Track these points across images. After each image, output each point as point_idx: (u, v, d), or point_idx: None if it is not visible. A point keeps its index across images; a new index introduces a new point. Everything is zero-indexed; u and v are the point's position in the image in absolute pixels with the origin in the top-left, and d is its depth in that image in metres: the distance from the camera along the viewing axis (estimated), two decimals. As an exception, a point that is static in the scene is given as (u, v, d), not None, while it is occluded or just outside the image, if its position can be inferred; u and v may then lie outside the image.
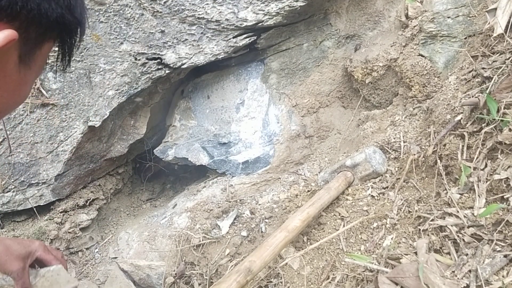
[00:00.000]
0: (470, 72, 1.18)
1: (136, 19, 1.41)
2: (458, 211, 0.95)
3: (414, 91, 1.36)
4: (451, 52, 1.32)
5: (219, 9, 1.43)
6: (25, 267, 1.00)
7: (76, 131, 1.47)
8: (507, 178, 0.90)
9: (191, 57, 1.50)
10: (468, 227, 0.91)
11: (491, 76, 1.07)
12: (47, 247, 1.08)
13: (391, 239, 1.04)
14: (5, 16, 0.53)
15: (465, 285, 0.80)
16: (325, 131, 1.67)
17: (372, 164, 1.24)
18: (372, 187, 1.24)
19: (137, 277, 1.41)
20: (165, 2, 1.40)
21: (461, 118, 1.08)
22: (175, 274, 1.40)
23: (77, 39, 0.62)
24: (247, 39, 1.52)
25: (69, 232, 1.55)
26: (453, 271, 0.84)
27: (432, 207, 1.03)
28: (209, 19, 1.44)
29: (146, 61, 1.47)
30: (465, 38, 1.29)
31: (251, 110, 1.68)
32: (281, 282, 1.16)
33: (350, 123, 1.64)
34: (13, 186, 1.45)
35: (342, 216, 1.20)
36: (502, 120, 0.94)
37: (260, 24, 1.47)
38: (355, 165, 1.28)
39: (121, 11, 1.39)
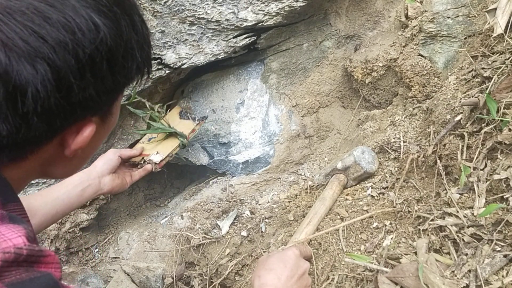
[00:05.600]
0: (470, 72, 1.18)
1: (136, 19, 1.41)
2: (458, 211, 0.95)
3: (414, 91, 1.36)
4: (451, 52, 1.32)
5: (219, 9, 1.43)
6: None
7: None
8: (507, 178, 0.90)
9: (191, 57, 1.50)
10: (468, 227, 0.91)
11: (491, 76, 1.07)
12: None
13: (391, 239, 1.04)
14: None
15: (465, 285, 0.80)
16: (325, 131, 1.67)
17: (362, 166, 1.26)
18: (372, 187, 1.24)
19: (137, 279, 1.41)
20: (165, 2, 1.41)
21: (461, 118, 1.08)
22: (175, 275, 1.40)
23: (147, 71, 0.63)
24: (247, 39, 1.53)
25: (69, 232, 1.56)
26: (453, 271, 0.84)
27: (432, 207, 1.03)
28: (209, 19, 1.44)
29: (146, 61, 1.47)
30: (465, 38, 1.29)
31: (251, 110, 1.68)
32: (281, 282, 1.16)
33: (350, 123, 1.64)
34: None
35: (342, 217, 1.20)
36: (502, 120, 0.94)
37: (260, 24, 1.48)
38: (346, 168, 1.29)
39: (121, 11, 1.39)
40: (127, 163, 1.29)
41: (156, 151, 1.36)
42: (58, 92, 0.47)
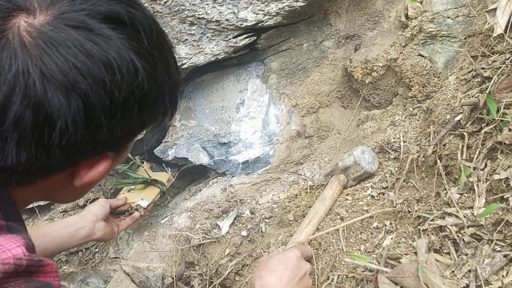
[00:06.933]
0: (470, 72, 1.18)
1: (136, 19, 1.41)
2: (458, 211, 0.95)
3: (414, 91, 1.36)
4: (451, 52, 1.32)
5: (219, 9, 1.43)
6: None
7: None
8: (507, 178, 0.90)
9: (191, 57, 1.50)
10: (468, 227, 0.91)
11: (491, 76, 1.07)
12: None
13: (391, 239, 1.04)
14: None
15: (465, 285, 0.80)
16: (325, 131, 1.67)
17: (362, 166, 1.26)
18: (372, 187, 1.24)
19: (137, 279, 1.41)
20: (165, 2, 1.41)
21: (461, 118, 1.08)
22: (175, 275, 1.40)
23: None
24: (247, 39, 1.53)
25: (69, 232, 1.55)
26: (453, 271, 0.84)
27: (432, 207, 1.03)
28: (209, 19, 1.44)
29: (146, 61, 1.47)
30: (465, 38, 1.29)
31: (251, 110, 1.68)
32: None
33: (350, 123, 1.64)
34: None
35: (342, 217, 1.20)
36: (502, 120, 0.94)
37: (260, 24, 1.48)
38: (346, 168, 1.29)
39: (121, 11, 1.39)
40: (111, 213, 1.33)
41: (141, 198, 1.45)
42: (86, 129, 0.47)
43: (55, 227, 1.06)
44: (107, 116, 0.48)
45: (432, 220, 0.98)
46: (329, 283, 1.04)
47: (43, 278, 0.47)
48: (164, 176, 1.58)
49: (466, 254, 0.86)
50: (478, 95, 1.06)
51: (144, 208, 1.41)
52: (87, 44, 0.46)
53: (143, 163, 1.59)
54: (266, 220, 1.45)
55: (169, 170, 1.63)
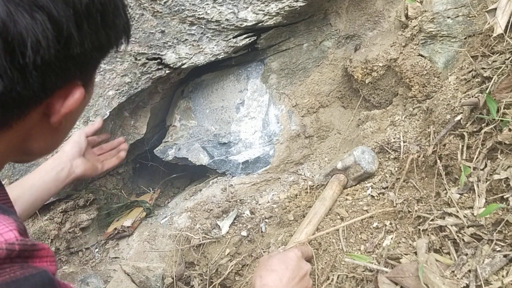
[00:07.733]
0: (470, 72, 1.18)
1: (136, 19, 1.41)
2: (458, 211, 0.95)
3: (414, 91, 1.36)
4: (451, 52, 1.32)
5: (219, 9, 1.43)
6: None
7: (76, 132, 1.47)
8: (507, 178, 0.90)
9: (191, 57, 1.50)
10: (468, 227, 0.91)
11: (491, 76, 1.07)
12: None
13: (391, 239, 1.04)
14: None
15: (465, 285, 0.80)
16: (325, 131, 1.67)
17: (362, 166, 1.26)
18: (372, 187, 1.24)
19: (137, 279, 1.41)
20: (165, 2, 1.41)
21: (461, 118, 1.08)
22: (175, 275, 1.40)
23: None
24: (247, 39, 1.53)
25: (69, 232, 1.55)
26: (453, 271, 0.84)
27: (432, 207, 1.03)
28: (209, 19, 1.44)
29: (146, 61, 1.47)
30: (465, 38, 1.29)
31: (251, 110, 1.68)
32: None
33: (350, 123, 1.64)
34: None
35: (342, 217, 1.20)
36: (502, 120, 0.94)
37: (260, 24, 1.48)
38: (346, 168, 1.29)
39: (121, 11, 1.39)
40: (95, 148, 1.27)
41: (126, 219, 1.65)
42: (58, 43, 0.47)
43: (36, 176, 1.07)
44: (74, 27, 0.49)
45: (432, 220, 0.98)
46: (329, 283, 1.03)
47: (39, 264, 0.46)
48: (147, 197, 1.75)
49: (466, 254, 0.86)
50: (478, 95, 1.06)
51: (128, 226, 1.57)
52: None
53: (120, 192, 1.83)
54: (266, 220, 1.45)
55: (151, 190, 1.82)
